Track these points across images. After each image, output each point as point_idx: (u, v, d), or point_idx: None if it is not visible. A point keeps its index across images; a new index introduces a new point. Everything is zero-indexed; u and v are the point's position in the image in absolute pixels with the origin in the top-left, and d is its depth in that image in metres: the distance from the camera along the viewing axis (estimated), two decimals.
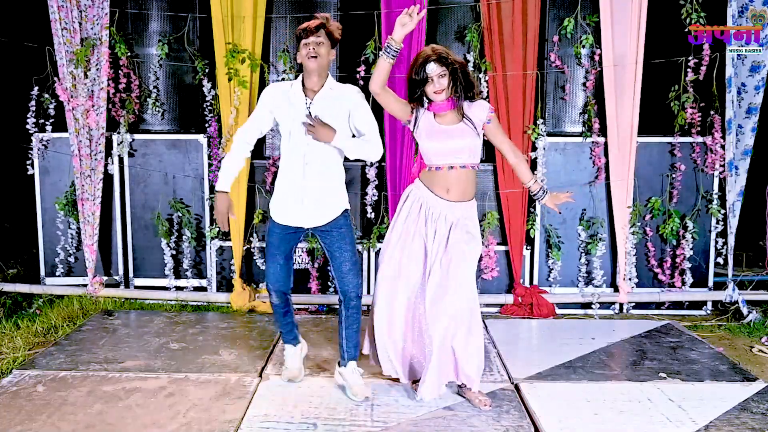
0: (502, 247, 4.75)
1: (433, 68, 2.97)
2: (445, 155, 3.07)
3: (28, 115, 4.81)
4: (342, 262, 3.15)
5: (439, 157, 3.08)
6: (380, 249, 3.31)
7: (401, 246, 3.18)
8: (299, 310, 4.60)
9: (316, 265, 4.75)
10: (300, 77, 3.14)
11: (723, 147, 4.61)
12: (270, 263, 3.23)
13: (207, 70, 4.76)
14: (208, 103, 4.79)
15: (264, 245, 4.75)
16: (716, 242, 4.73)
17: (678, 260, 4.72)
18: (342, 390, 3.28)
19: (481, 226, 4.64)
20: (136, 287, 4.92)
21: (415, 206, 3.15)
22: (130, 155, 4.84)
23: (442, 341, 3.06)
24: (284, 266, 3.22)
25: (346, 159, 3.17)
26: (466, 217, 3.12)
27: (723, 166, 4.64)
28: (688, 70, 4.58)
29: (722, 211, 4.67)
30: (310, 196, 3.11)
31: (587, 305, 4.72)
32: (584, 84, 4.71)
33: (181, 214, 4.81)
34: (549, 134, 4.73)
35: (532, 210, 4.74)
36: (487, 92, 4.63)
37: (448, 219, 3.10)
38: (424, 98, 3.09)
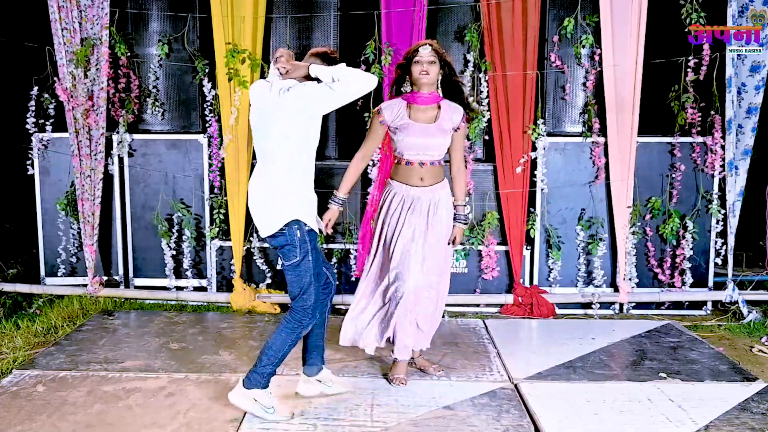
0: (502, 247, 4.75)
1: (427, 51, 3.19)
2: (418, 152, 3.26)
3: (28, 115, 4.81)
4: (288, 285, 2.94)
5: (411, 154, 3.26)
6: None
7: (386, 238, 3.34)
8: None
9: None
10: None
11: (723, 147, 4.61)
12: (316, 283, 2.92)
13: (207, 70, 4.76)
14: (208, 103, 4.79)
15: (264, 245, 4.76)
16: (716, 242, 4.73)
17: (678, 260, 4.72)
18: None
19: (481, 226, 4.66)
20: (136, 287, 4.92)
21: (393, 199, 3.31)
22: (130, 155, 4.84)
23: (431, 316, 3.39)
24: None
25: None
26: (442, 197, 3.32)
27: (723, 166, 4.64)
28: (688, 70, 4.58)
29: (722, 211, 4.67)
30: (253, 198, 2.94)
31: (587, 305, 4.72)
32: (584, 84, 4.71)
33: (181, 214, 4.81)
34: (549, 134, 4.72)
35: (532, 210, 4.74)
36: (487, 92, 4.63)
37: (426, 201, 3.28)
38: (402, 89, 3.33)
